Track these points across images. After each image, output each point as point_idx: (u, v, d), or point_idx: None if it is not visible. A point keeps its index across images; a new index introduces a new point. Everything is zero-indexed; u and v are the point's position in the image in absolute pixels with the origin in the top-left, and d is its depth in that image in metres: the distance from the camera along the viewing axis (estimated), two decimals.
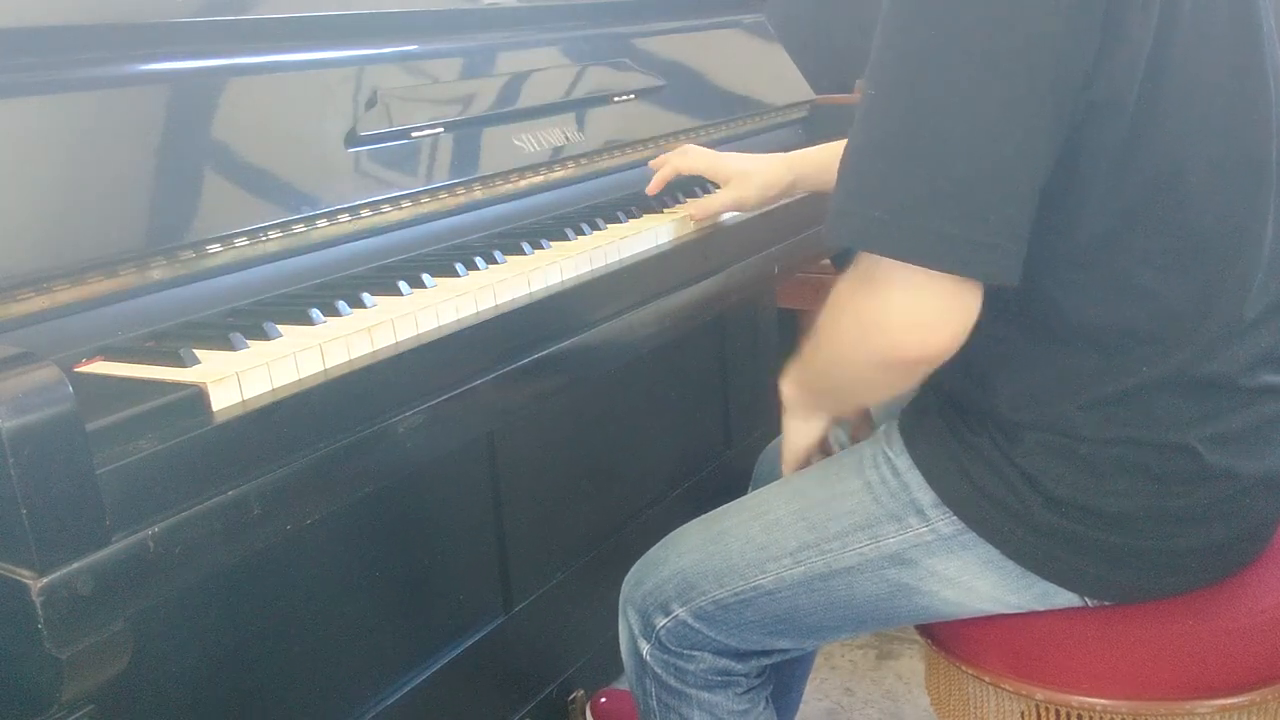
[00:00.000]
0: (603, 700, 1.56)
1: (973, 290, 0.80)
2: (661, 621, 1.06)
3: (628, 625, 1.11)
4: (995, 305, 0.90)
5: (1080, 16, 0.76)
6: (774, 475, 1.16)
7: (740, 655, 1.07)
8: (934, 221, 0.77)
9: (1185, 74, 0.83)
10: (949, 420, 0.96)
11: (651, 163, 1.38)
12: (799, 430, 1.09)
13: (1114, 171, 0.83)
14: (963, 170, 0.76)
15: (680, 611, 1.05)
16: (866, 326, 0.83)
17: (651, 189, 1.34)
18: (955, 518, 0.94)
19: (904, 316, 0.80)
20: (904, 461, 0.97)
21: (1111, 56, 0.78)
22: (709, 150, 1.35)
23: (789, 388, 1.07)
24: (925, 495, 0.95)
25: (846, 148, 0.82)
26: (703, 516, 1.11)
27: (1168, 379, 0.87)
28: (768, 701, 1.11)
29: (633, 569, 1.12)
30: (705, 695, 1.07)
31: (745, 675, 1.08)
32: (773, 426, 1.16)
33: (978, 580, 0.96)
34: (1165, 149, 0.83)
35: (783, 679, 1.30)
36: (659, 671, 1.08)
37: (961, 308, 0.80)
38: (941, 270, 0.78)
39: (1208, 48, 0.84)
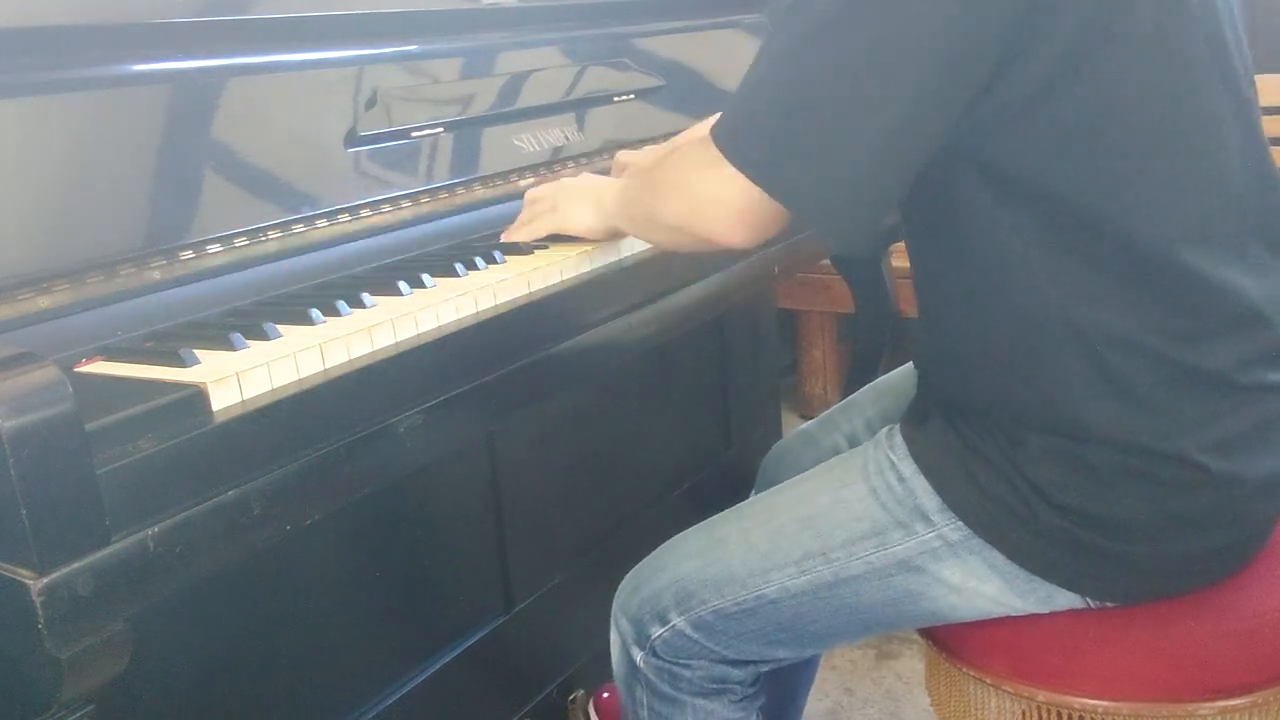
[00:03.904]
0: (605, 695, 1.56)
1: (777, 217, 0.89)
2: (658, 631, 1.05)
3: (619, 634, 1.09)
4: (994, 309, 0.90)
5: (980, 22, 0.79)
6: (779, 478, 1.15)
7: (737, 663, 1.05)
8: (786, 154, 0.85)
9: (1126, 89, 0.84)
10: (953, 425, 0.96)
11: None
12: (583, 222, 1.12)
13: (1064, 171, 0.84)
14: (834, 126, 0.83)
15: (678, 621, 1.03)
16: (694, 198, 0.92)
17: None
18: (961, 523, 0.94)
19: (724, 210, 0.90)
20: (909, 467, 0.97)
21: (1027, 53, 0.81)
22: None
23: (613, 198, 1.10)
24: (930, 501, 0.95)
25: (755, 66, 0.89)
26: (701, 524, 1.09)
27: (1162, 372, 0.87)
28: (760, 715, 1.10)
29: (627, 577, 1.10)
30: (701, 702, 1.06)
31: (740, 684, 1.06)
32: (773, 427, 1.16)
33: (984, 584, 0.95)
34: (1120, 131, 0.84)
35: (787, 686, 1.30)
36: (652, 679, 1.07)
37: (763, 224, 0.90)
38: (766, 189, 0.86)
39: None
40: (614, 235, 1.13)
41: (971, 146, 0.85)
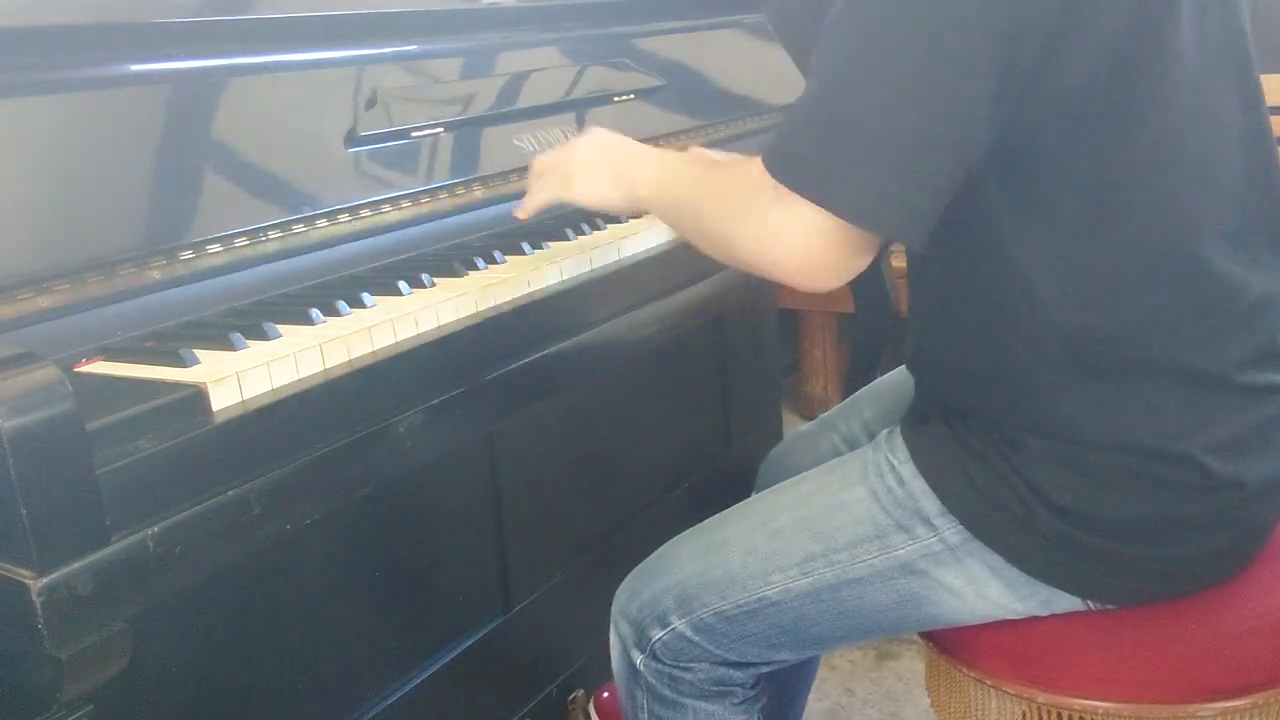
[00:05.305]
0: (604, 695, 1.56)
1: (869, 245, 0.84)
2: (658, 634, 1.04)
3: (619, 638, 1.08)
4: (994, 314, 0.90)
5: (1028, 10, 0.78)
6: (778, 481, 1.15)
7: (738, 665, 1.05)
8: (857, 177, 0.80)
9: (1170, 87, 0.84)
10: (953, 428, 0.95)
11: None
12: (600, 193, 1.06)
13: (1099, 162, 0.84)
14: (895, 134, 0.79)
15: (679, 624, 1.03)
16: (766, 237, 0.85)
17: None
18: (961, 526, 0.94)
19: (803, 251, 0.83)
20: (908, 470, 0.97)
21: (1073, 44, 0.80)
22: None
23: (650, 181, 1.02)
24: (930, 504, 0.95)
25: (804, 94, 0.85)
26: (700, 525, 1.09)
27: (1163, 377, 0.87)
28: (760, 715, 1.09)
29: (626, 580, 1.10)
30: (703, 705, 1.05)
31: (742, 686, 1.06)
32: (774, 426, 1.16)
33: (984, 588, 0.95)
34: (1153, 140, 0.84)
35: (788, 686, 1.29)
36: (653, 682, 1.06)
37: (855, 259, 0.84)
38: (849, 220, 0.81)
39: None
40: (633, 209, 1.09)
41: (1007, 148, 0.83)
